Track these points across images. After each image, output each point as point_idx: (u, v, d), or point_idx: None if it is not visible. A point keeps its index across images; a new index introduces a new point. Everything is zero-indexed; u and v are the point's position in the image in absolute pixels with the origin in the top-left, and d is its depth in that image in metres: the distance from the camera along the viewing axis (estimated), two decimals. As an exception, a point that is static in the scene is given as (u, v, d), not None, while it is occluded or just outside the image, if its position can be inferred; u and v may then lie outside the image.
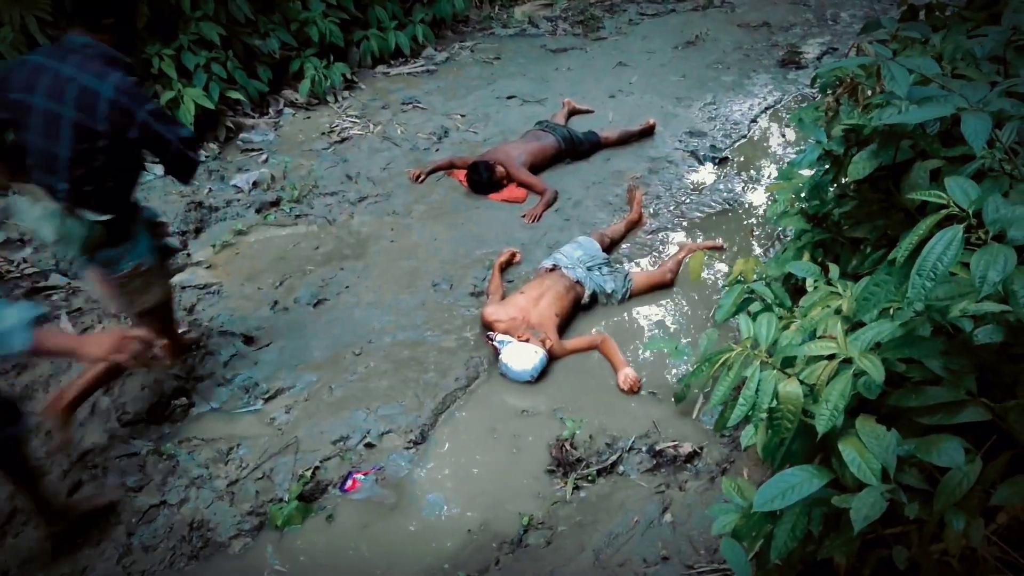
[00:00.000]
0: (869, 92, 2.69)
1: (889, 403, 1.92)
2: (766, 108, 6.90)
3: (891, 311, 1.92)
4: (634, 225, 5.12)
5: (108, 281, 3.11)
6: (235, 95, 6.15)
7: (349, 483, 3.29)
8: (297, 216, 5.20)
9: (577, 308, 4.32)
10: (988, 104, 2.01)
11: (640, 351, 4.06)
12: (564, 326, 4.19)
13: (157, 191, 5.25)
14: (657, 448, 3.42)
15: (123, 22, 2.85)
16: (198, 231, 4.97)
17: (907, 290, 1.60)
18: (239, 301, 4.38)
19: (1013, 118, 2.15)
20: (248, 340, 4.07)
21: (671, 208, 5.35)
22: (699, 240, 4.99)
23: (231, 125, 6.14)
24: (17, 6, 5.04)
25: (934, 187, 1.89)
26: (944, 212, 1.64)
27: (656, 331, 4.23)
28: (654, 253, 4.92)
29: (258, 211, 5.21)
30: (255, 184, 5.49)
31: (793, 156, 4.73)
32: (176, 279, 4.47)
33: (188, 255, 4.73)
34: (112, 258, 3.06)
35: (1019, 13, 2.84)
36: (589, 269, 4.39)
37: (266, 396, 3.73)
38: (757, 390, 1.90)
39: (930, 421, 1.81)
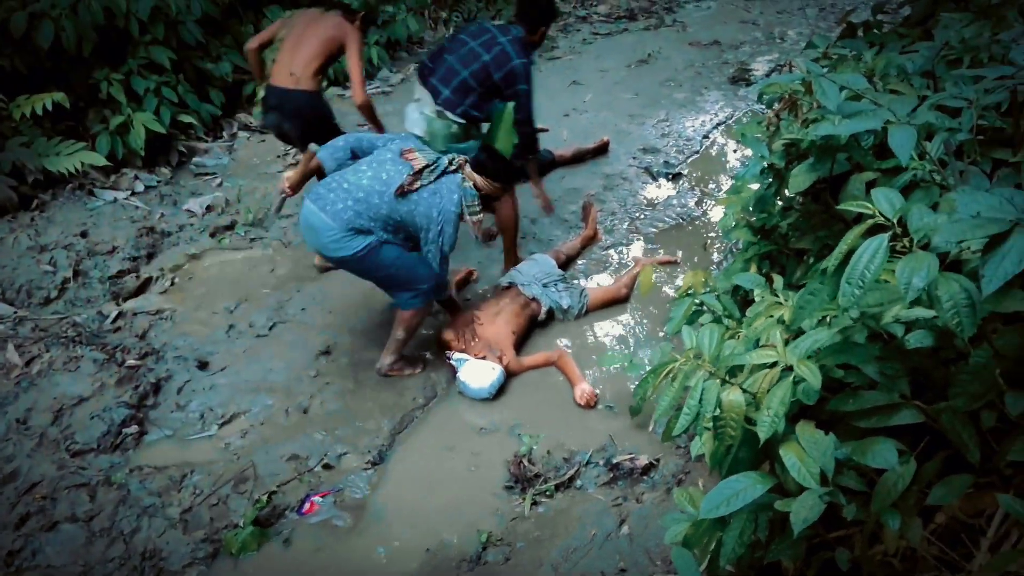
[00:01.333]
0: (806, 107, 2.77)
1: (829, 408, 1.97)
2: (718, 124, 7.02)
3: (828, 319, 1.97)
4: (589, 241, 5.17)
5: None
6: (187, 119, 6.11)
7: (307, 506, 3.27)
8: (252, 239, 5.17)
9: (534, 325, 4.35)
10: (916, 117, 2.08)
11: (596, 366, 4.09)
12: (521, 343, 4.22)
13: (107, 216, 5.19)
14: (614, 461, 3.45)
15: (537, 26, 4.62)
16: (150, 256, 4.92)
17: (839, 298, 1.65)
18: (193, 326, 4.34)
19: (941, 130, 2.23)
20: (202, 365, 4.03)
21: (626, 224, 5.42)
22: (654, 255, 5.05)
23: (183, 149, 6.10)
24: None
25: (868, 198, 1.95)
26: (870, 222, 1.69)
27: (612, 346, 4.27)
28: (609, 269, 4.98)
29: (212, 235, 5.18)
30: (209, 208, 5.45)
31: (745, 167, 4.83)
32: (127, 305, 4.43)
33: (138, 278, 4.67)
34: (462, 150, 4.06)
35: (949, 30, 2.95)
36: (545, 286, 4.42)
37: (221, 421, 3.69)
38: (700, 399, 1.94)
39: (867, 424, 1.86)
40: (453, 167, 3.63)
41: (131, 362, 3.97)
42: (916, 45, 3.07)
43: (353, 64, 4.48)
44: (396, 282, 3.76)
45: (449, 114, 4.43)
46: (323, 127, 4.57)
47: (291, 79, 4.47)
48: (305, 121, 4.56)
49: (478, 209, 3.63)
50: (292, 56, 4.50)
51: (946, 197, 1.93)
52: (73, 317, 4.27)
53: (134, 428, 3.59)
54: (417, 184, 3.49)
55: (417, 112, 4.59)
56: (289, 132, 4.68)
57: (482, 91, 4.42)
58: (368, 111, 4.54)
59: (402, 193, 3.47)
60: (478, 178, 3.63)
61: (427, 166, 3.54)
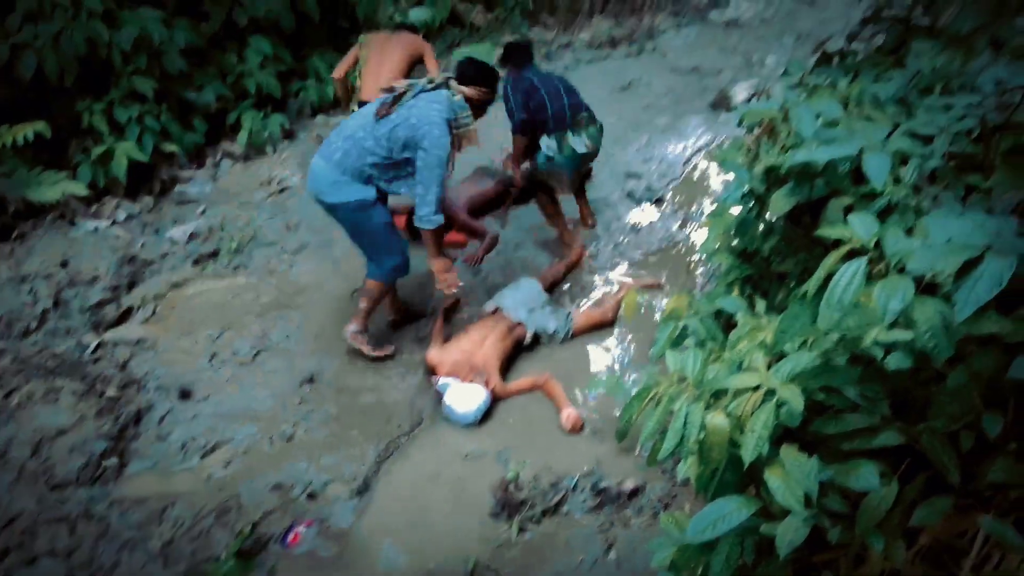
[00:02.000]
0: (785, 133, 2.81)
1: (812, 431, 1.98)
2: (699, 149, 7.09)
3: (809, 342, 1.99)
4: (574, 266, 5.20)
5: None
6: (170, 148, 6.11)
7: (291, 536, 3.25)
8: (236, 267, 5.16)
9: (520, 349, 4.36)
10: (890, 144, 2.12)
11: (582, 390, 4.09)
12: (507, 367, 4.22)
13: (88, 245, 5.17)
14: (601, 486, 3.44)
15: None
16: (132, 285, 4.90)
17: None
18: (175, 355, 4.31)
19: (915, 156, 2.27)
20: (184, 394, 4.01)
21: (610, 248, 5.45)
22: (638, 279, 5.08)
23: (166, 178, 6.09)
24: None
25: (846, 223, 1.98)
26: (848, 246, 1.72)
27: (598, 369, 4.28)
28: (594, 293, 5.00)
29: (195, 263, 5.16)
30: (192, 236, 5.44)
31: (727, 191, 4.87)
32: (108, 335, 4.40)
33: (119, 307, 4.65)
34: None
35: (920, 58, 3.01)
36: (531, 310, 4.43)
37: (203, 451, 3.67)
38: (685, 423, 1.95)
39: (849, 446, 1.88)
40: (431, 86, 3.72)
41: (111, 393, 3.94)
42: (889, 73, 3.12)
43: (433, 69, 5.14)
44: (374, 249, 4.02)
45: None
46: None
47: (381, 93, 4.45)
48: None
49: (469, 119, 3.75)
50: (378, 72, 5.06)
51: (920, 222, 1.96)
52: (53, 348, 4.24)
53: (114, 460, 3.56)
54: (395, 107, 3.63)
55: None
56: None
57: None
58: None
59: (383, 115, 3.62)
60: (466, 89, 3.74)
61: (405, 92, 3.68)
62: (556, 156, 5.02)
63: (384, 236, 3.97)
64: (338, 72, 5.40)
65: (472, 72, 3.81)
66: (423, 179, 3.70)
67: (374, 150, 3.68)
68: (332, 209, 3.90)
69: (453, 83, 3.75)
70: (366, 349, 4.27)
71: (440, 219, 3.86)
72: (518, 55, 5.00)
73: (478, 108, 3.86)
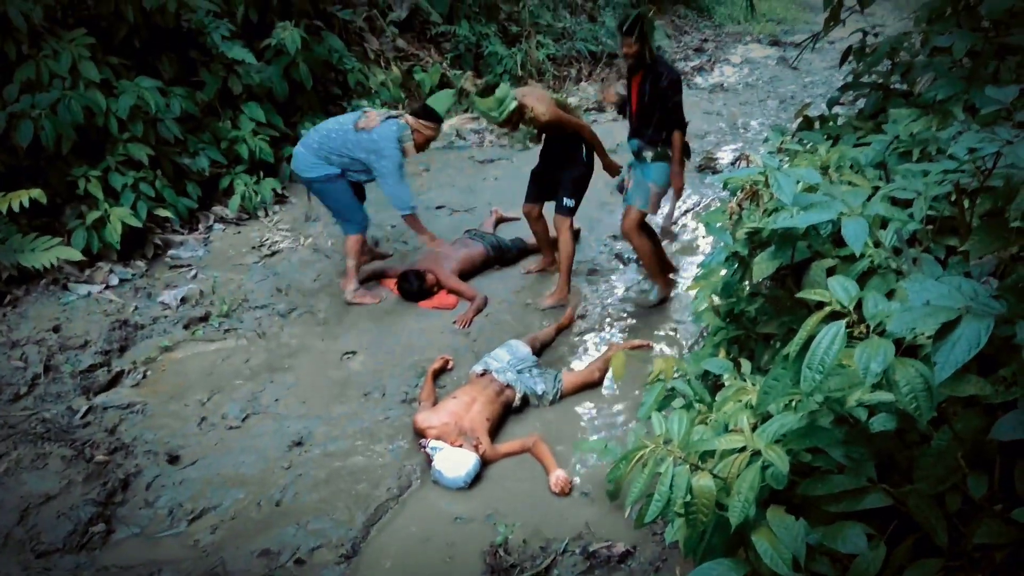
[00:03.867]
0: (767, 198, 2.87)
1: (799, 493, 1.99)
2: (686, 211, 7.20)
3: (793, 403, 2.01)
4: (564, 327, 5.23)
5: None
6: (164, 212, 6.17)
7: (278, 604, 3.20)
8: (226, 330, 5.17)
9: (509, 411, 4.36)
10: (869, 208, 2.18)
11: (571, 452, 4.08)
12: (496, 430, 4.21)
13: (80, 310, 5.18)
14: (591, 549, 3.41)
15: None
16: (123, 350, 4.89)
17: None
18: (164, 419, 4.29)
19: (894, 220, 2.33)
20: (172, 459, 3.98)
21: (598, 309, 5.49)
22: (626, 340, 5.10)
23: (159, 242, 6.14)
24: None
25: (828, 285, 2.02)
26: (828, 309, 1.76)
27: (587, 431, 4.28)
28: (583, 354, 5.02)
29: (186, 327, 5.17)
30: (183, 300, 5.46)
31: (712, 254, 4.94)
32: (98, 399, 4.39)
33: (109, 371, 4.64)
34: None
35: (898, 124, 3.10)
36: (519, 372, 4.45)
37: (190, 517, 3.63)
38: (671, 486, 1.95)
39: (836, 509, 1.88)
40: (395, 114, 5.30)
41: (100, 458, 3.91)
42: (869, 138, 3.21)
43: None
44: (340, 210, 5.50)
45: None
46: None
47: None
48: None
49: (410, 139, 5.23)
50: None
51: (900, 285, 2.01)
52: (42, 413, 4.22)
53: (101, 526, 3.52)
54: (371, 125, 5.17)
55: None
56: None
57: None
58: None
59: (361, 128, 5.17)
60: (411, 119, 5.25)
61: (383, 118, 5.24)
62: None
63: (347, 199, 5.43)
64: None
65: (420, 111, 5.32)
66: (387, 183, 5.25)
67: (342, 149, 5.21)
68: (308, 183, 5.39)
69: (406, 116, 5.30)
70: (368, 300, 5.55)
71: (413, 208, 5.38)
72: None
73: (421, 137, 5.30)
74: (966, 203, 2.29)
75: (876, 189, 2.55)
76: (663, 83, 4.88)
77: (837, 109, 4.33)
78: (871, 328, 1.71)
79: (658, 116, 4.97)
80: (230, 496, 3.76)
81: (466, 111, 9.81)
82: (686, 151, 5.19)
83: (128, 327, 5.09)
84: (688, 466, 1.97)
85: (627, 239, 5.46)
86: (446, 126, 9.38)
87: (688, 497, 1.94)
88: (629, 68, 5.08)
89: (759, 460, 1.89)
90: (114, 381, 4.59)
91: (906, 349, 1.75)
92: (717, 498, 1.93)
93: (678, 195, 5.40)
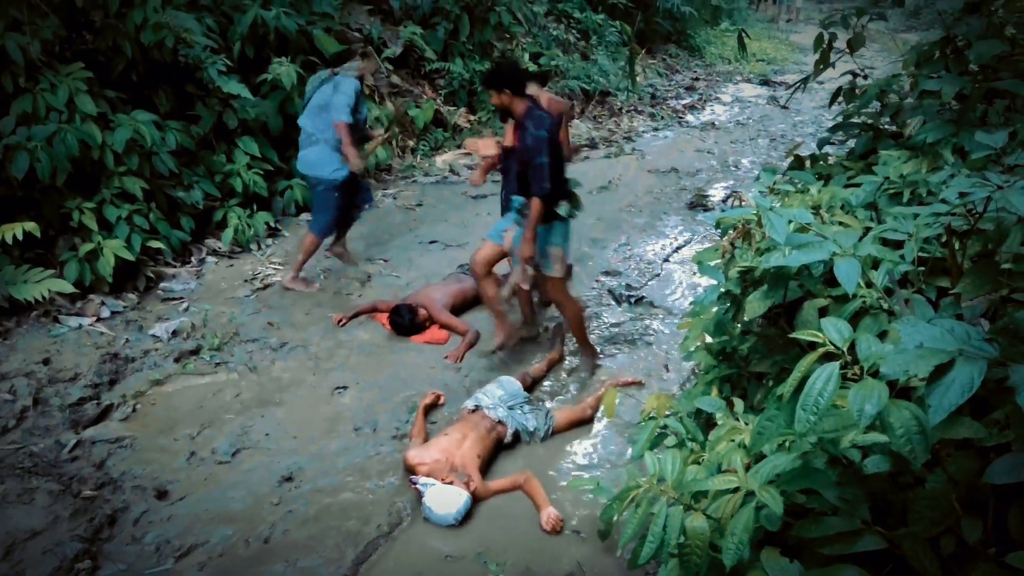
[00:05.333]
0: (759, 237, 2.90)
1: (793, 534, 1.98)
2: (677, 248, 7.25)
3: (787, 444, 2.01)
4: (555, 364, 5.22)
5: None
6: (157, 245, 6.17)
7: (265, 645, 3.14)
8: (217, 364, 5.15)
9: (500, 448, 4.33)
10: (860, 249, 2.20)
11: (563, 490, 4.05)
12: (487, 466, 4.19)
13: (70, 343, 5.15)
14: (583, 590, 3.38)
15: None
16: (112, 383, 4.85)
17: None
18: (153, 453, 4.25)
19: (886, 261, 2.35)
20: (161, 495, 3.93)
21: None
22: (618, 377, 5.10)
23: (151, 275, 6.13)
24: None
25: (820, 325, 2.03)
26: (822, 350, 1.76)
27: (579, 468, 4.26)
28: (575, 390, 5.01)
29: (177, 360, 5.14)
30: (175, 333, 5.44)
31: (704, 292, 4.97)
32: (87, 433, 4.35)
33: (99, 405, 4.60)
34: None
35: (888, 166, 3.15)
36: (511, 408, 4.43)
37: (178, 554, 3.57)
38: (665, 527, 1.94)
39: (830, 551, 1.87)
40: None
41: (87, 493, 3.86)
42: (859, 178, 3.26)
43: (568, 131, 6.07)
44: (318, 214, 6.22)
45: None
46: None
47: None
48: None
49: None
50: None
51: (893, 326, 2.02)
52: (30, 447, 4.17)
53: (87, 563, 3.46)
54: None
55: None
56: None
57: None
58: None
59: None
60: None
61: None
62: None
63: (333, 208, 6.06)
64: None
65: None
66: (338, 102, 5.81)
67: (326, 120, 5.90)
68: (319, 181, 5.99)
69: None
70: (302, 287, 6.20)
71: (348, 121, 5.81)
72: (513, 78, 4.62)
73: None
74: (957, 245, 2.32)
75: (867, 230, 2.58)
76: (528, 141, 4.50)
77: (827, 148, 4.39)
78: (864, 369, 1.72)
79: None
80: (218, 533, 3.71)
81: (459, 147, 9.89)
82: (572, 210, 4.83)
83: (118, 360, 5.06)
84: (682, 507, 1.96)
85: (557, 307, 5.22)
86: (439, 160, 9.47)
87: (682, 538, 1.93)
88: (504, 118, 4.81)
89: (753, 501, 1.89)
90: (103, 415, 4.55)
91: (900, 391, 1.76)
92: (711, 539, 1.92)
93: (524, 265, 4.74)
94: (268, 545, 3.66)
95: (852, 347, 1.81)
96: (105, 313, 5.57)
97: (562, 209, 4.74)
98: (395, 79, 9.75)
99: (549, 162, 4.45)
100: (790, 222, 2.29)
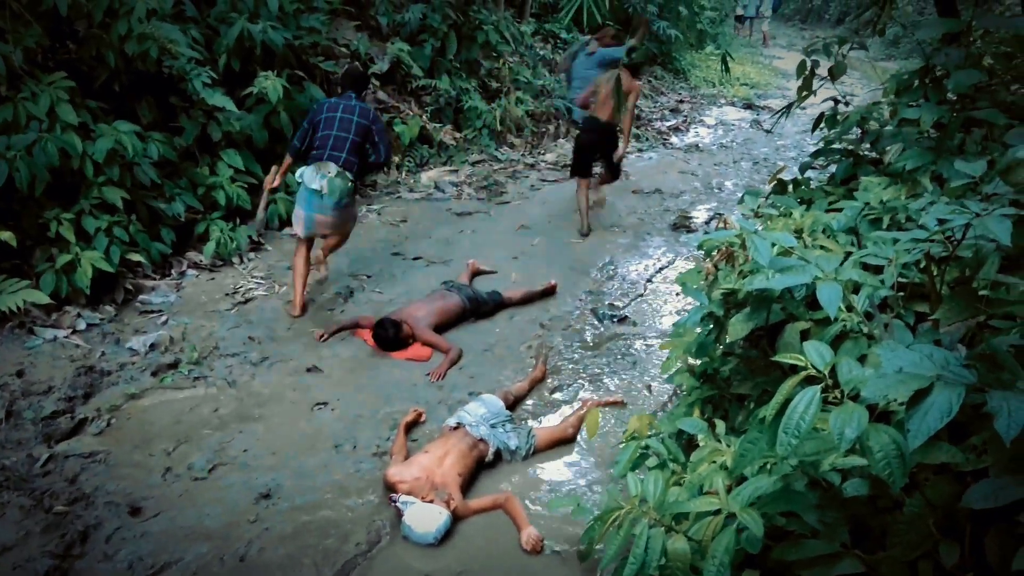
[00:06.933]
0: (742, 259, 2.92)
1: (774, 557, 1.98)
2: (660, 268, 7.28)
3: (768, 466, 2.02)
4: (538, 382, 5.22)
5: (339, 214, 5.89)
6: (136, 257, 6.11)
7: (238, 664, 3.10)
8: (196, 378, 5.10)
9: (481, 466, 4.31)
10: (841, 273, 2.22)
11: (543, 509, 4.04)
12: (468, 485, 4.16)
13: (45, 355, 5.08)
14: (562, 612, 3.36)
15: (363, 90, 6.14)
16: (87, 396, 4.79)
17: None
18: (127, 469, 4.19)
19: (866, 285, 2.37)
20: (135, 511, 3.87)
21: (572, 365, 5.49)
22: (600, 396, 5.10)
23: (130, 287, 6.06)
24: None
25: (803, 347, 2.05)
26: (804, 373, 1.77)
27: (561, 487, 4.24)
28: (557, 409, 5.00)
29: (154, 374, 5.08)
30: (152, 346, 5.38)
31: (686, 314, 4.99)
32: (59, 447, 4.29)
33: (72, 418, 4.53)
34: (347, 203, 5.91)
35: (869, 192, 3.18)
36: (492, 426, 4.42)
37: (151, 571, 3.52)
38: (646, 548, 1.94)
39: (810, 574, 1.88)
40: None
41: (59, 508, 3.80)
42: (840, 203, 3.29)
43: (631, 109, 7.99)
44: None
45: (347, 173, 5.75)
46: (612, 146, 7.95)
47: (607, 117, 7.67)
48: (607, 141, 7.86)
49: None
50: (606, 103, 7.52)
51: (873, 351, 2.04)
52: (2, 460, 4.10)
53: (57, 580, 3.41)
54: None
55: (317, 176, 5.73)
56: (594, 145, 7.87)
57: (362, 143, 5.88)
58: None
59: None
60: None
61: None
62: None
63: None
64: (583, 96, 7.96)
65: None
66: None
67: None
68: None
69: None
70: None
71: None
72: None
73: None
74: (935, 271, 2.34)
75: (848, 254, 2.60)
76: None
77: (809, 173, 4.43)
78: (845, 393, 1.73)
79: None
80: (193, 551, 3.66)
81: (444, 164, 9.90)
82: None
83: (94, 373, 5.00)
84: (663, 528, 1.96)
85: None
86: (424, 176, 9.47)
87: (663, 560, 1.93)
88: None
89: (734, 523, 1.89)
90: (77, 429, 4.49)
91: (879, 415, 1.77)
92: (692, 561, 1.92)
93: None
94: (244, 563, 3.62)
95: (833, 371, 1.82)
96: (81, 325, 5.50)
97: None
98: (381, 95, 9.76)
99: None
100: (774, 245, 2.31)
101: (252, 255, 7.07)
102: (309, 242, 5.97)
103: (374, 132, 5.80)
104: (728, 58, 6.46)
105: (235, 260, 6.89)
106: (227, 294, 6.31)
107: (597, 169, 8.29)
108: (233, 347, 5.50)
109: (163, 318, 5.83)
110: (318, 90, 8.27)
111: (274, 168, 6.17)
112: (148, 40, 6.06)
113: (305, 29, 8.27)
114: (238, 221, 7.10)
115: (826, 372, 1.77)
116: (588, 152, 7.90)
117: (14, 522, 3.67)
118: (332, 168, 5.65)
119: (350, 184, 5.77)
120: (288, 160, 6.01)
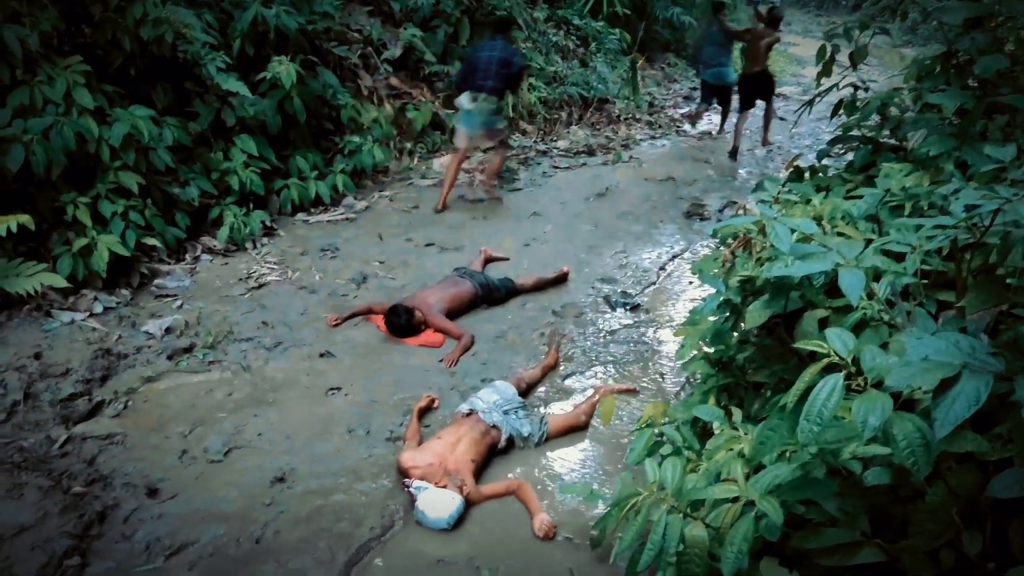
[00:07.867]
0: (759, 246, 2.90)
1: (792, 544, 1.98)
2: (673, 256, 7.25)
3: (787, 454, 2.01)
4: (550, 369, 5.21)
5: (489, 133, 8.13)
6: (151, 241, 6.13)
7: (254, 646, 3.12)
8: (210, 362, 5.12)
9: (494, 452, 4.32)
10: (863, 260, 2.20)
11: (556, 496, 4.04)
12: (481, 471, 4.17)
13: (63, 338, 5.12)
14: (575, 597, 3.36)
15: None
16: (104, 379, 4.82)
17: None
18: (145, 451, 4.22)
19: (888, 273, 2.35)
20: (152, 492, 3.90)
21: (585, 352, 5.48)
22: (613, 384, 5.09)
23: (146, 271, 6.09)
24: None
25: (822, 335, 2.03)
26: (826, 360, 1.76)
27: (573, 474, 4.24)
28: (569, 396, 4.99)
29: (170, 358, 5.11)
30: (168, 330, 5.41)
31: (700, 302, 4.97)
32: (77, 429, 4.32)
33: (90, 401, 4.56)
34: (493, 122, 7.99)
35: (890, 178, 3.15)
36: (505, 413, 4.42)
37: (168, 552, 3.55)
38: (664, 534, 1.93)
39: (829, 563, 1.87)
40: None
41: (77, 489, 3.83)
42: (860, 190, 3.26)
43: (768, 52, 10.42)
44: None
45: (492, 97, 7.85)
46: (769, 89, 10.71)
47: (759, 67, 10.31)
48: (765, 86, 10.60)
49: None
50: (755, 55, 10.26)
51: (896, 339, 2.02)
52: (20, 441, 4.14)
53: (76, 560, 3.43)
54: None
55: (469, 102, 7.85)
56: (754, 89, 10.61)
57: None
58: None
59: None
60: None
61: None
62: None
63: None
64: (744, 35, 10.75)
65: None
66: None
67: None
68: None
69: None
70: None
71: None
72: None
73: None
74: (963, 258, 2.32)
75: (869, 241, 2.58)
76: None
77: (825, 161, 4.39)
78: (868, 381, 1.72)
79: None
80: (209, 532, 3.69)
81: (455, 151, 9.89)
82: None
83: (111, 356, 5.03)
84: (681, 515, 1.96)
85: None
86: (436, 163, 9.45)
87: (681, 546, 1.93)
88: None
89: (753, 510, 1.88)
90: (95, 411, 4.52)
91: (902, 403, 1.76)
92: (710, 548, 1.91)
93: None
94: (259, 545, 3.64)
95: (855, 359, 1.81)
96: (98, 308, 5.53)
97: None
98: (394, 81, 9.74)
99: None
100: (794, 232, 2.29)
101: (265, 240, 7.08)
102: (463, 155, 8.17)
103: (512, 63, 7.85)
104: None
105: (248, 245, 6.91)
106: (241, 279, 6.33)
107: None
108: (247, 332, 5.52)
109: (178, 302, 5.85)
110: (331, 75, 8.26)
111: None
112: (163, 24, 6.07)
113: (318, 14, 8.25)
114: (251, 206, 7.11)
115: (849, 360, 1.75)
116: (750, 94, 10.64)
117: (33, 503, 3.70)
118: (480, 96, 7.71)
119: (494, 106, 7.88)
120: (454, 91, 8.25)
